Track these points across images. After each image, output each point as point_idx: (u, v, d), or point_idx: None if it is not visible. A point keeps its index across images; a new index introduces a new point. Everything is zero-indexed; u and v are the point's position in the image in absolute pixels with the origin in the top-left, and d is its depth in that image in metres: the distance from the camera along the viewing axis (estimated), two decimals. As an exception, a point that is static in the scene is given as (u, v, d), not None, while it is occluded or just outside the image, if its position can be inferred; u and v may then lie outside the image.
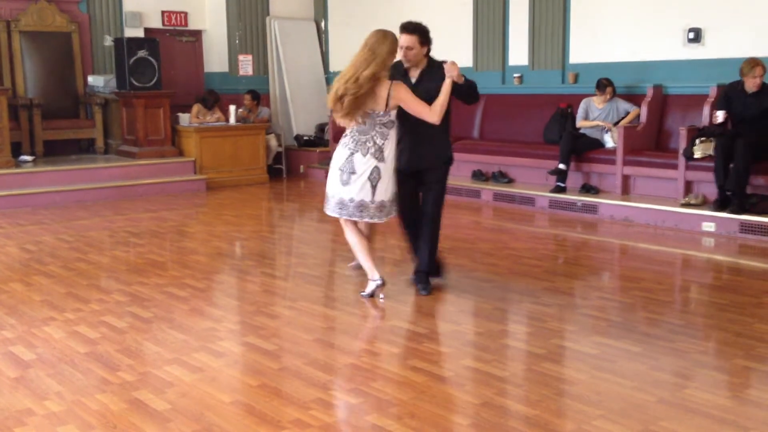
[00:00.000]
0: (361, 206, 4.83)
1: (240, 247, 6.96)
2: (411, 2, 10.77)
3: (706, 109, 7.54)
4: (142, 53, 10.14)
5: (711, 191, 7.20)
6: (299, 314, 4.79)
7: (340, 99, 4.70)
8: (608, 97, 8.29)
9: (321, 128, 11.70)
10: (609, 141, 8.17)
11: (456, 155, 9.30)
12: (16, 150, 9.67)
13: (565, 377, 3.75)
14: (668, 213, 7.29)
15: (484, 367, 3.84)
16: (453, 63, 4.85)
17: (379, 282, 4.94)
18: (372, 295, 5.00)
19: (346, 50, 11.97)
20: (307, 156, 11.40)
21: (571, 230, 7.43)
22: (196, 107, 10.77)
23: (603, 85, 8.26)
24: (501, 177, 8.99)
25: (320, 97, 12.10)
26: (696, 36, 7.97)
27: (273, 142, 11.26)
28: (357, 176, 4.79)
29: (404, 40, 4.90)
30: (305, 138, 11.60)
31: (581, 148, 8.24)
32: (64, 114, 10.52)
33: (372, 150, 4.77)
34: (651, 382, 3.61)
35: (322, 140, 11.53)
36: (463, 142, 9.60)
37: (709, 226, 6.96)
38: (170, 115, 10.42)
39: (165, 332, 4.44)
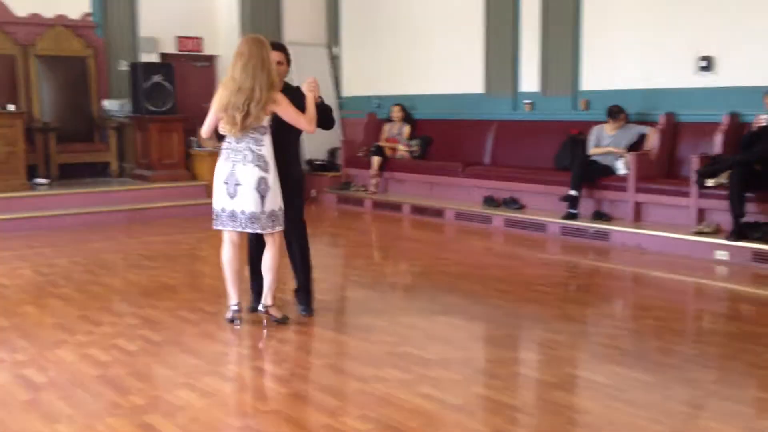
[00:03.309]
0: (253, 217, 4.78)
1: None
2: (422, 28, 10.85)
3: (719, 138, 7.53)
4: (157, 78, 10.25)
5: (724, 219, 7.17)
6: (309, 339, 4.79)
7: (242, 114, 4.62)
8: (621, 123, 8.31)
9: (332, 153, 11.77)
10: (621, 168, 8.16)
11: (467, 181, 9.55)
12: (32, 173, 9.75)
13: (576, 406, 3.72)
14: (681, 241, 7.26)
15: (494, 395, 3.82)
16: (315, 79, 4.92)
17: (235, 308, 4.98)
18: (231, 321, 5.01)
19: (359, 75, 12.20)
20: (319, 180, 11.44)
21: (582, 257, 7.41)
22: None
23: (615, 113, 8.28)
24: (512, 203, 8.99)
25: (333, 122, 12.19)
26: (708, 64, 7.98)
27: (285, 166, 11.30)
28: (243, 187, 4.74)
29: (275, 55, 4.90)
30: (317, 162, 11.65)
31: (593, 175, 8.24)
32: (79, 137, 10.61)
33: (250, 158, 4.71)
34: (664, 412, 3.58)
35: (334, 165, 11.59)
36: (474, 168, 9.64)
37: (722, 255, 6.92)
38: (184, 139, 10.50)
39: (176, 356, 4.45)
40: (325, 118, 5.09)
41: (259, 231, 4.83)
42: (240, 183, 4.73)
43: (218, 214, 4.87)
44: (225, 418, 3.54)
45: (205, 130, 4.93)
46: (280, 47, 5.10)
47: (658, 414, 3.55)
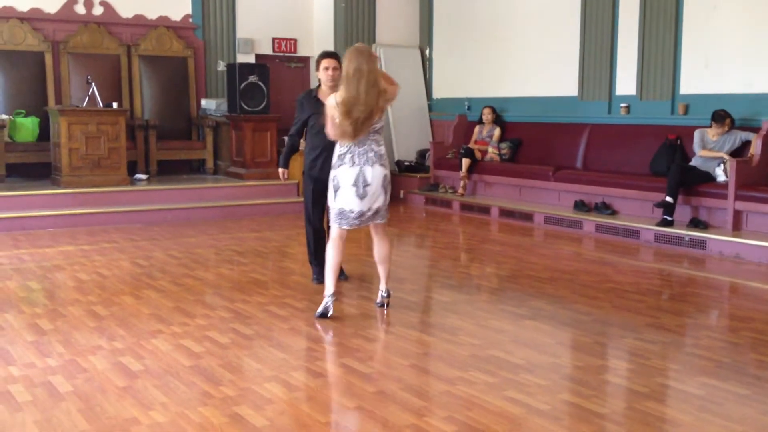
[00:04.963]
0: (378, 210, 5.15)
1: (339, 270, 7.03)
2: (514, 30, 10.76)
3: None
4: (252, 78, 10.49)
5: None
6: (395, 339, 4.81)
7: (359, 121, 4.91)
8: (726, 129, 8.02)
9: (422, 154, 11.79)
10: (721, 175, 7.88)
11: (558, 185, 9.44)
12: (132, 168, 10.16)
13: (668, 417, 3.62)
14: (783, 251, 6.97)
15: (583, 403, 3.76)
16: None
17: (331, 297, 5.17)
18: (324, 312, 5.15)
19: (450, 77, 12.17)
20: (408, 181, 11.48)
21: (677, 265, 7.19)
22: None
23: (721, 117, 7.99)
24: (604, 208, 8.81)
25: (422, 123, 12.22)
26: (817, 67, 7.63)
27: (375, 167, 11.38)
28: (372, 187, 5.05)
29: (331, 62, 5.66)
30: (406, 163, 11.70)
31: (690, 181, 7.99)
32: (177, 135, 10.99)
33: (375, 159, 5.06)
34: (760, 427, 3.44)
35: (423, 166, 11.61)
36: (565, 172, 9.48)
37: (827, 267, 6.61)
38: (277, 139, 10.72)
39: (265, 350, 4.55)
40: None
41: (381, 221, 5.22)
42: (369, 183, 5.05)
43: (345, 215, 5.12)
44: (312, 413, 3.60)
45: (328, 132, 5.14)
46: (333, 54, 5.79)
47: (754, 429, 3.42)
